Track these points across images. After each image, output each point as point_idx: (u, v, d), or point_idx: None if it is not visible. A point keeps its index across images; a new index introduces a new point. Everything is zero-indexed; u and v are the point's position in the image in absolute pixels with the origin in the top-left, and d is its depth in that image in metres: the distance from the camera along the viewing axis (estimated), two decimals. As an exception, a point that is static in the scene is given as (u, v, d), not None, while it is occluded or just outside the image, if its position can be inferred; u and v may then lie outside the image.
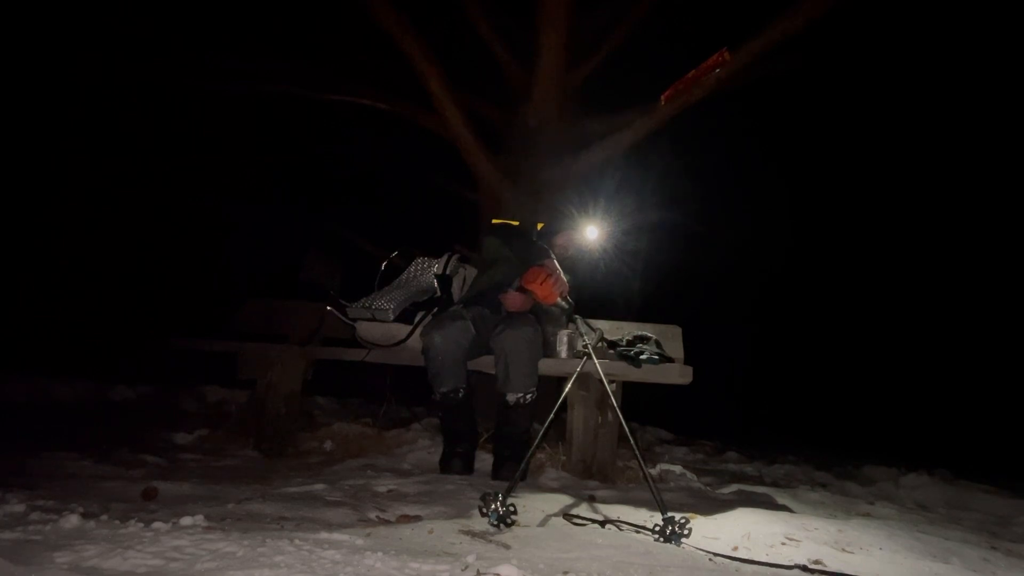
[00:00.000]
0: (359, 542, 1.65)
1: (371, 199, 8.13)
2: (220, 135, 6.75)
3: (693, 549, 1.86)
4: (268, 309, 4.06)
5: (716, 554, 1.82)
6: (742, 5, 5.25)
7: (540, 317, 3.08)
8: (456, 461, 2.96)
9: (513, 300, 3.09)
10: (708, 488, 3.27)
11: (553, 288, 2.70)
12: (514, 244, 3.24)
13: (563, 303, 2.72)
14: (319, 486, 2.46)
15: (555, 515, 2.19)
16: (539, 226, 3.40)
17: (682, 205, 7.14)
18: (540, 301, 2.81)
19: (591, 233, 3.34)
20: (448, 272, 3.32)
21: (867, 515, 2.87)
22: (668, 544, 1.88)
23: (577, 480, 3.00)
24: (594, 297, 3.37)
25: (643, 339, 3.23)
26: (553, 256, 2.91)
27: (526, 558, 1.61)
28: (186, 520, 1.76)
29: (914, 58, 6.32)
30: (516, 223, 3.49)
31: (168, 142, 6.80)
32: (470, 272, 3.44)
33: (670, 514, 1.95)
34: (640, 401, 3.88)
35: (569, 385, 2.49)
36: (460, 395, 2.95)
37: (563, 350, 3.17)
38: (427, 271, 3.33)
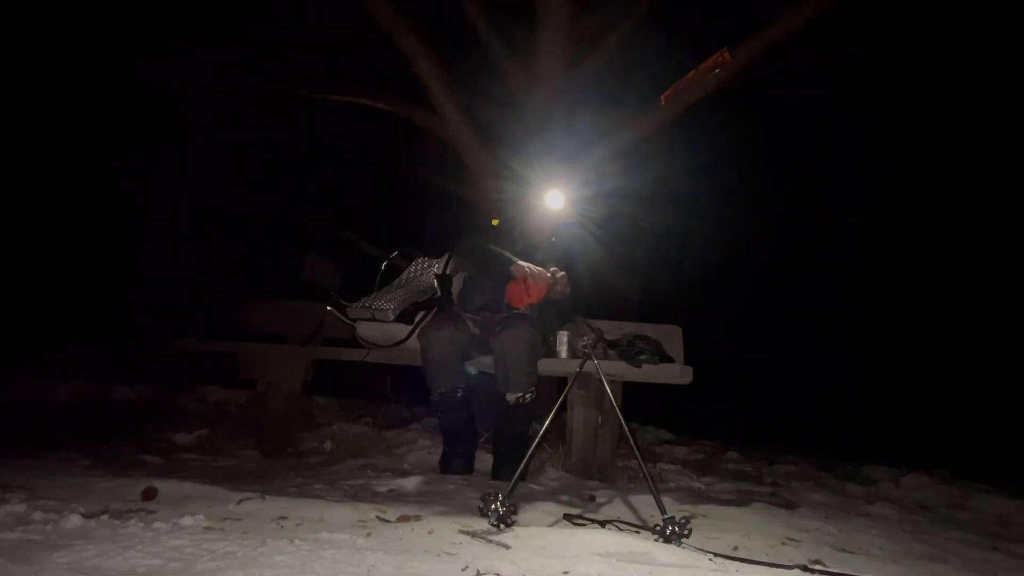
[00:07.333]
0: (359, 542, 1.65)
1: (371, 199, 8.12)
2: (220, 134, 6.76)
3: (693, 549, 1.86)
4: (268, 309, 4.06)
5: (716, 554, 1.82)
6: (742, 5, 5.24)
7: (541, 316, 3.08)
8: (456, 461, 2.97)
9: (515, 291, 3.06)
10: (708, 488, 3.27)
11: (539, 283, 2.66)
12: (475, 260, 3.19)
13: (558, 288, 2.64)
14: (319, 486, 2.46)
15: (555, 515, 2.20)
16: (495, 222, 3.34)
17: (682, 205, 7.15)
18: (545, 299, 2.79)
19: (554, 200, 3.25)
20: (448, 272, 3.31)
21: (867, 515, 2.87)
22: (668, 544, 1.88)
23: (577, 480, 3.00)
24: (594, 300, 3.35)
25: (643, 339, 3.23)
26: (515, 260, 2.88)
27: (526, 558, 1.61)
28: (186, 520, 1.75)
29: (911, 57, 6.33)
30: (496, 221, 3.44)
31: (168, 141, 6.81)
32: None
33: (670, 514, 1.94)
34: (640, 401, 3.88)
35: (569, 385, 2.49)
36: (459, 395, 2.95)
37: (563, 350, 3.16)
38: (427, 271, 3.32)
